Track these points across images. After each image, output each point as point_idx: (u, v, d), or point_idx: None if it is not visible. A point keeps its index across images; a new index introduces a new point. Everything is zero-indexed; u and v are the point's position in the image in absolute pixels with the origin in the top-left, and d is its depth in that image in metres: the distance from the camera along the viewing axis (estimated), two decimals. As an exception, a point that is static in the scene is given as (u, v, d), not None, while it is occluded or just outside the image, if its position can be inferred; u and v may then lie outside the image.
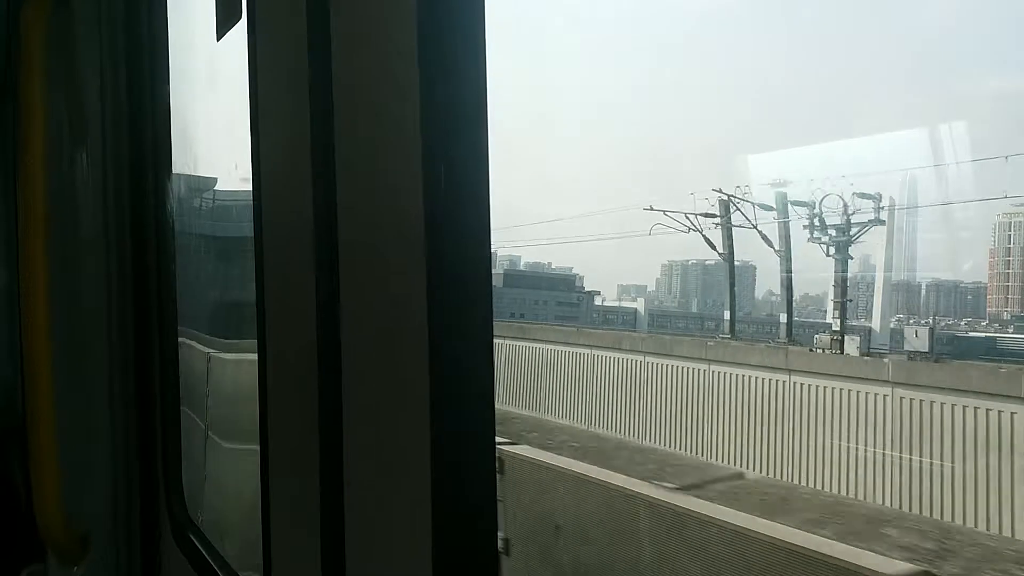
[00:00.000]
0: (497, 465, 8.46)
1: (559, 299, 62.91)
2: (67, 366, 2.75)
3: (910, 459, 17.27)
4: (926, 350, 20.45)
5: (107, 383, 2.79)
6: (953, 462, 16.65)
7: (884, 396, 18.33)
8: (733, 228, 29.50)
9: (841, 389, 19.18)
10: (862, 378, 18.97)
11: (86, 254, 2.80)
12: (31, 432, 2.66)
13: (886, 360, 20.57)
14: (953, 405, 16.89)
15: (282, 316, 1.57)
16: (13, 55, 2.71)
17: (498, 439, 9.80)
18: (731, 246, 30.60)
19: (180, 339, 2.76)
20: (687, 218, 29.58)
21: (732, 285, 34.68)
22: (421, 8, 1.10)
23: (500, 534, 8.54)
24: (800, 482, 18.96)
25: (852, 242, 27.74)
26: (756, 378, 21.03)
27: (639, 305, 68.91)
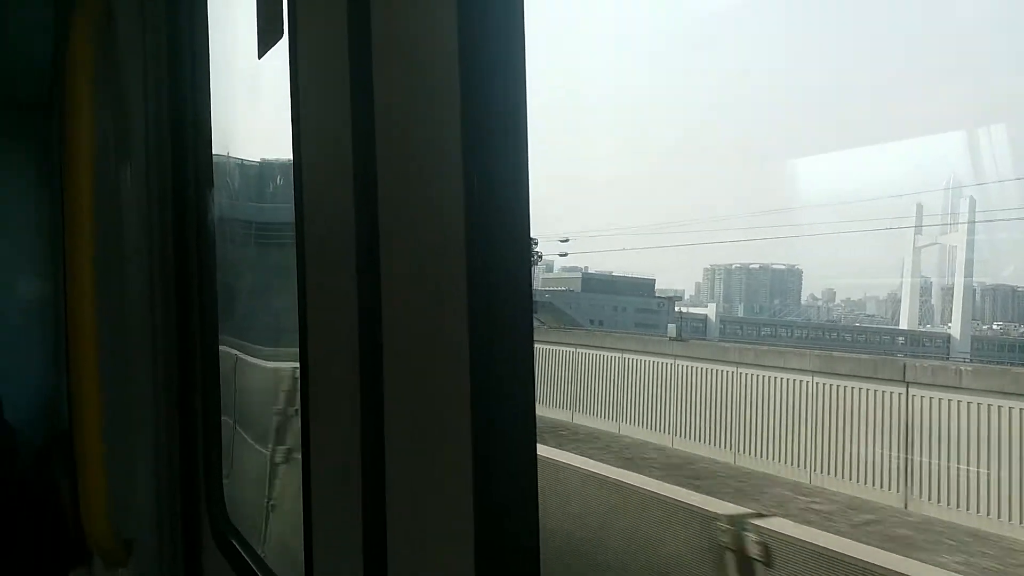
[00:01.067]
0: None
1: (638, 305, 60.68)
2: (111, 375, 2.82)
3: None
4: None
5: (151, 391, 2.85)
6: None
7: None
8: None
9: None
10: None
11: (130, 264, 2.87)
12: (77, 439, 2.73)
13: None
14: None
15: (324, 320, 1.59)
16: (60, 70, 2.79)
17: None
18: None
19: (221, 347, 2.82)
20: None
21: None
22: (462, 22, 1.12)
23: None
24: None
25: None
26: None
27: (710, 311, 66.98)
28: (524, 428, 1.18)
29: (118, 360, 2.86)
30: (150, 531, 2.84)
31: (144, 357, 2.84)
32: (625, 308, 58.51)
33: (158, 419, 2.84)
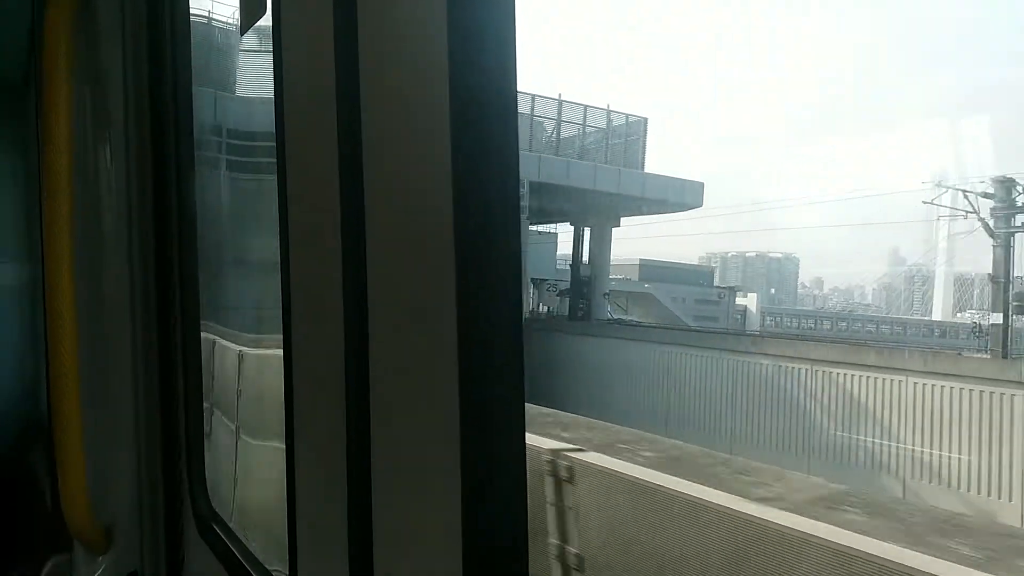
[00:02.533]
0: None
1: (696, 295, 55.77)
2: (92, 360, 2.78)
3: None
4: None
5: (131, 376, 2.81)
6: None
7: None
8: None
9: None
10: None
11: (110, 248, 2.83)
12: (57, 425, 2.69)
13: None
14: None
15: (308, 310, 1.57)
16: (37, 50, 2.73)
17: None
18: None
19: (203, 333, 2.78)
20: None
21: None
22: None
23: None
24: None
25: None
26: None
27: (750, 302, 63.67)
28: (513, 423, 1.17)
29: (98, 345, 2.82)
30: (131, 518, 2.82)
31: (124, 342, 2.80)
32: (684, 299, 54.54)
33: (138, 404, 2.81)
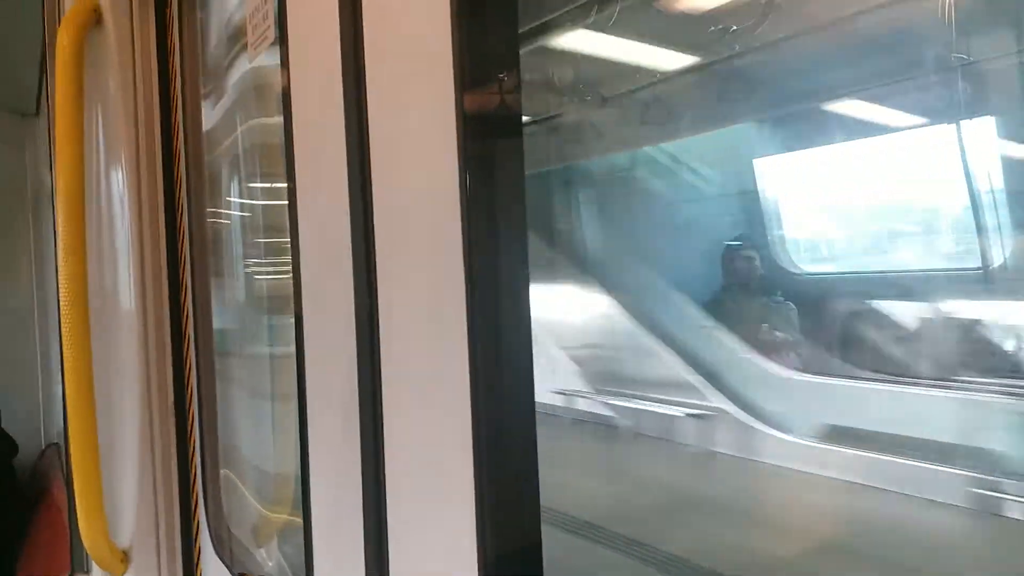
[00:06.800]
0: None
1: None
2: (106, 380, 2.80)
3: None
4: None
5: (146, 398, 2.83)
6: None
7: None
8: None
9: None
10: None
11: (123, 271, 2.85)
12: (73, 445, 2.71)
13: None
14: None
15: (320, 313, 1.59)
16: (48, 75, 2.77)
17: None
18: None
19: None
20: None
21: None
22: (453, 14, 1.10)
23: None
24: None
25: None
26: None
27: None
28: (524, 418, 1.19)
29: (112, 368, 2.84)
30: (148, 538, 2.82)
31: (138, 361, 2.82)
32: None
33: (153, 425, 2.82)
